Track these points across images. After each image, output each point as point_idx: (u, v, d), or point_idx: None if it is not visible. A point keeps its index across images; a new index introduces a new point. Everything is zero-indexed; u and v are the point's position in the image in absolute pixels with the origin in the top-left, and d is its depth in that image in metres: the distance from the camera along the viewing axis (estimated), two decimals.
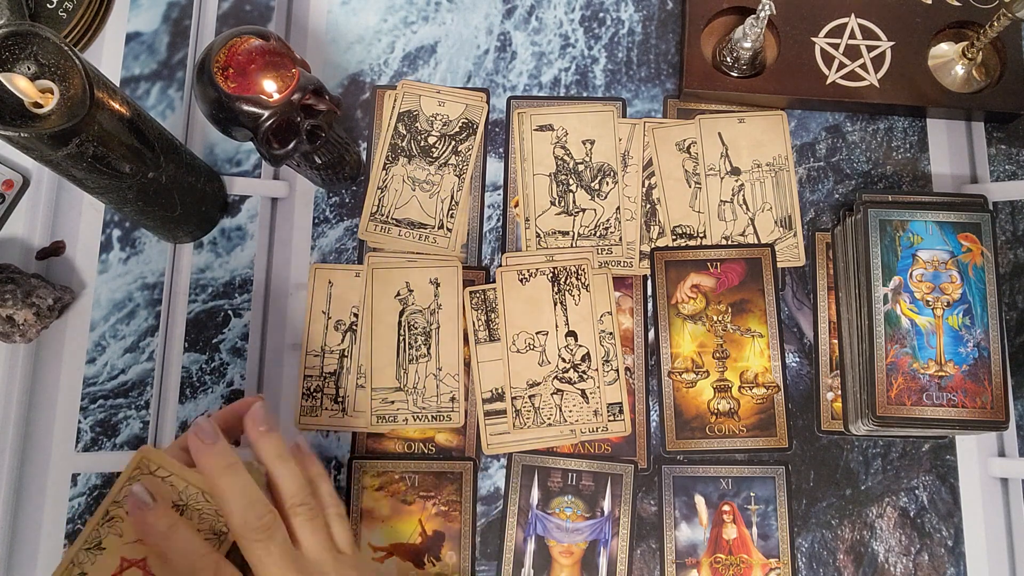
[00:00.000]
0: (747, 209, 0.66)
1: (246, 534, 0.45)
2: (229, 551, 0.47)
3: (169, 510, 0.46)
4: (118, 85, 0.65)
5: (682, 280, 0.65)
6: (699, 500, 0.62)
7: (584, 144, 0.68)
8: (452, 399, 0.63)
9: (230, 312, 0.66)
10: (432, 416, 0.63)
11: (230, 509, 0.46)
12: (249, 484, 0.46)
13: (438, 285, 0.65)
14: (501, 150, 0.69)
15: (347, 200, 0.68)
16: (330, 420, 0.63)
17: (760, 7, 0.60)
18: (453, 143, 0.68)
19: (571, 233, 0.66)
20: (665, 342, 0.64)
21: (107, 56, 0.71)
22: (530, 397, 0.63)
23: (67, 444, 0.64)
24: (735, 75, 0.67)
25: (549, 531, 0.61)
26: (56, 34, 0.47)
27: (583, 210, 0.67)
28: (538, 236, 0.66)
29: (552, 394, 0.63)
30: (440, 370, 0.64)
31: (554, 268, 0.65)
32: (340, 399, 0.64)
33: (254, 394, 0.64)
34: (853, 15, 0.68)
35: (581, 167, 0.67)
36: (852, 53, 0.67)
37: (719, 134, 0.68)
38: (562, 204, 0.67)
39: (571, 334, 0.64)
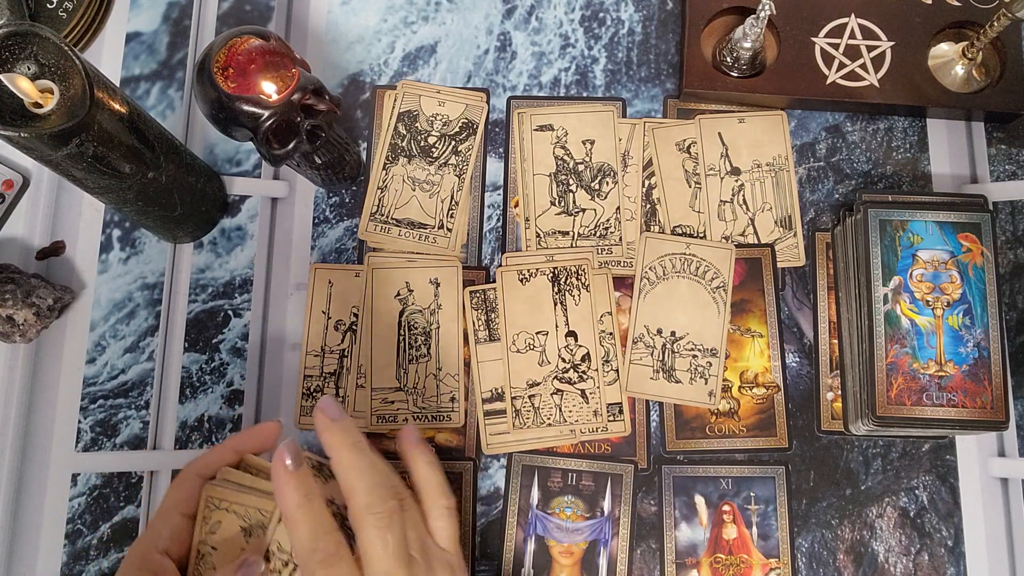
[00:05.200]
0: (747, 209, 0.66)
1: (365, 516, 0.44)
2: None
3: (308, 479, 0.45)
4: (118, 85, 0.65)
5: None
6: (699, 500, 0.62)
7: (584, 144, 0.68)
8: (452, 399, 0.63)
9: (230, 312, 0.66)
10: (432, 416, 0.63)
11: (352, 486, 0.44)
12: (376, 464, 0.45)
13: (438, 285, 0.65)
14: (501, 150, 0.69)
15: (347, 200, 0.68)
16: None
17: (760, 7, 0.60)
18: (453, 143, 0.68)
19: (571, 233, 0.66)
20: None
21: (107, 56, 0.71)
22: (530, 397, 0.63)
23: (67, 444, 0.64)
24: (735, 75, 0.67)
25: (549, 531, 0.61)
26: (56, 34, 0.47)
27: (583, 210, 0.67)
28: (538, 236, 0.66)
29: (552, 394, 0.63)
30: (440, 370, 0.64)
31: (554, 268, 0.65)
32: (340, 399, 0.64)
33: (253, 395, 0.64)
34: (853, 15, 0.68)
35: (581, 167, 0.67)
36: (852, 53, 0.67)
37: (719, 134, 0.68)
38: (562, 204, 0.67)
39: (571, 334, 0.64)
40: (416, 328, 0.65)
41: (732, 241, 0.66)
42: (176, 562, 0.48)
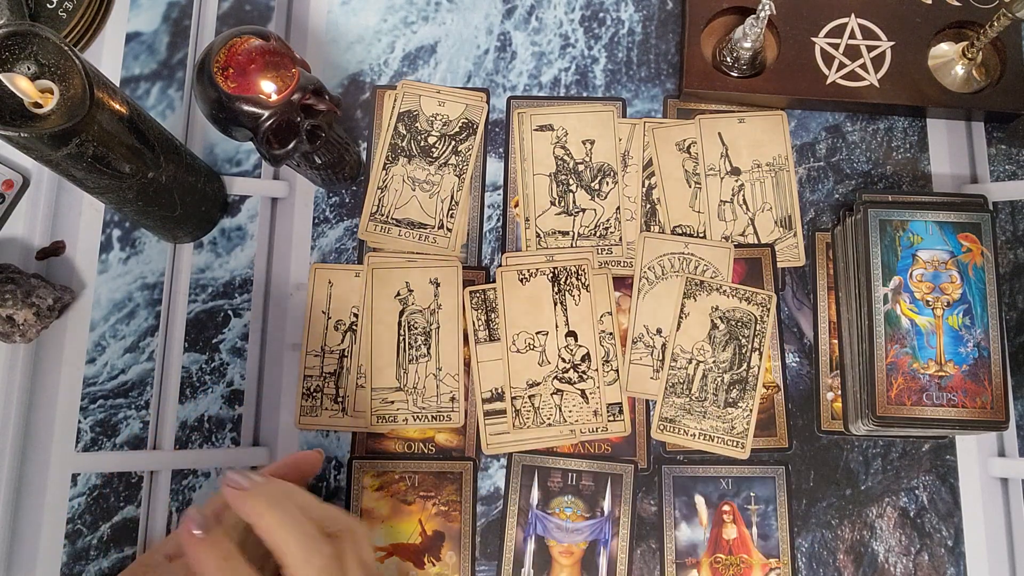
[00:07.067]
0: (747, 209, 0.66)
1: (307, 572, 0.42)
2: None
3: (223, 541, 0.43)
4: (118, 85, 0.65)
5: None
6: (699, 500, 0.62)
7: (584, 144, 0.68)
8: (452, 399, 0.63)
9: (230, 312, 0.66)
10: (432, 416, 0.63)
11: (282, 549, 0.42)
12: (296, 517, 0.43)
13: (438, 285, 0.65)
14: (501, 150, 0.69)
15: (347, 200, 0.68)
16: (330, 420, 0.63)
17: (760, 7, 0.60)
18: (453, 143, 0.68)
19: (571, 233, 0.66)
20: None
21: (107, 56, 0.71)
22: (530, 397, 0.63)
23: (67, 444, 0.64)
24: (735, 75, 0.67)
25: (549, 531, 0.61)
26: (56, 34, 0.47)
27: (583, 210, 0.67)
28: (538, 236, 0.66)
29: (552, 394, 0.63)
30: (440, 370, 0.64)
31: (554, 268, 0.65)
32: (340, 399, 0.64)
33: (253, 395, 0.64)
34: (853, 15, 0.68)
35: (581, 167, 0.67)
36: (852, 53, 0.67)
37: (719, 134, 0.68)
38: (562, 204, 0.67)
39: (571, 334, 0.64)
40: (416, 328, 0.65)
41: (732, 241, 0.66)
42: None
